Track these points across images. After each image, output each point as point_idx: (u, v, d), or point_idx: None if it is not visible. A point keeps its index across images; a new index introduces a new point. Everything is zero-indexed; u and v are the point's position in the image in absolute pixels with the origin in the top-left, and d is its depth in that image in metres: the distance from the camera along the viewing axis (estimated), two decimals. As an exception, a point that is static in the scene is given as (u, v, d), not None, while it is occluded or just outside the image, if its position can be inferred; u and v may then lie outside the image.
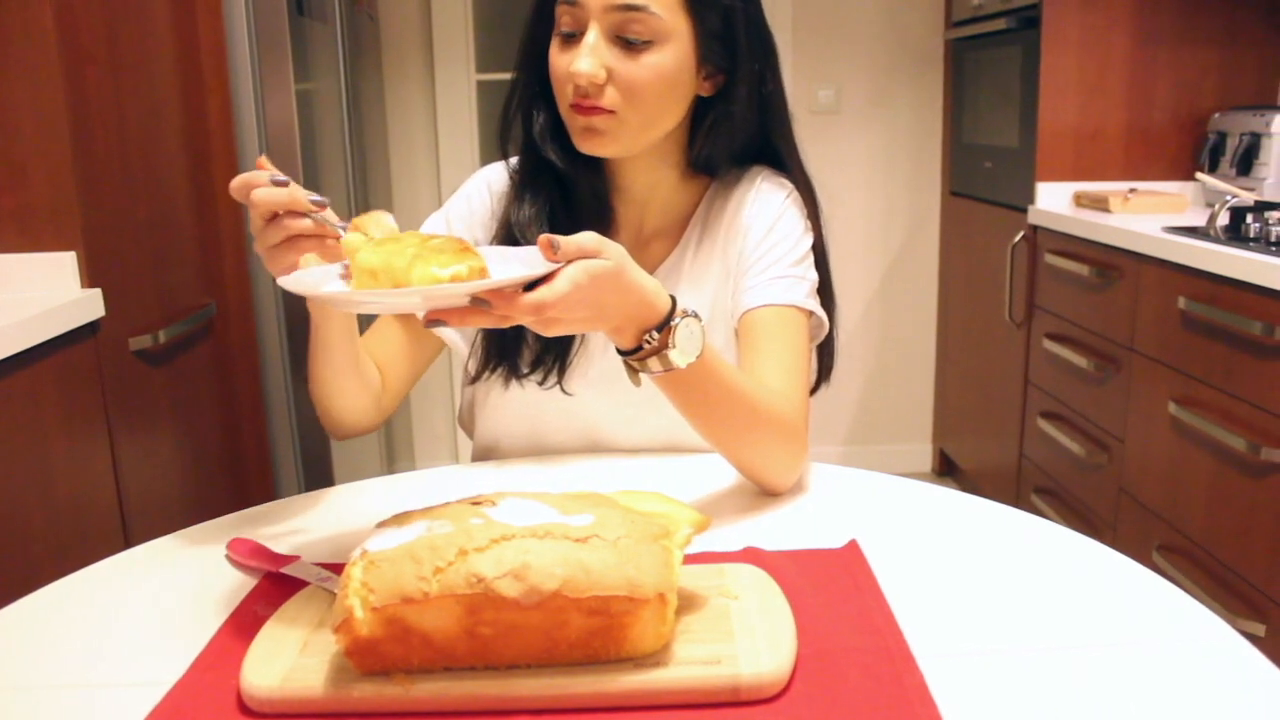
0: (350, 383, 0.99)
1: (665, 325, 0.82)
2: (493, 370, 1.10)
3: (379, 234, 0.75)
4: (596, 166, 1.08)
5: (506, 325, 0.74)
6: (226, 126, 2.12)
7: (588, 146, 1.01)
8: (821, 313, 1.07)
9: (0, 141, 1.54)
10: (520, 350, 1.09)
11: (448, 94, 3.23)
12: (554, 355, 1.09)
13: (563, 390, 1.09)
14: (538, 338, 1.08)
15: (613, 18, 0.95)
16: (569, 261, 0.74)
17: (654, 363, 0.83)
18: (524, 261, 0.77)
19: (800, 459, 0.97)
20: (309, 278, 0.77)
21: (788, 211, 1.09)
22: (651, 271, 1.09)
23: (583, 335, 1.09)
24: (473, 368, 1.13)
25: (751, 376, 0.97)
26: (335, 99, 2.54)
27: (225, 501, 2.08)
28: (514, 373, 1.09)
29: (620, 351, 0.84)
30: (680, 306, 0.83)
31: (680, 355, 0.82)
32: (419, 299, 0.71)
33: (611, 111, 0.98)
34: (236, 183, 0.77)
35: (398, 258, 0.70)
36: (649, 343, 0.82)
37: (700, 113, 1.06)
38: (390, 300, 0.74)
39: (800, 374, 1.01)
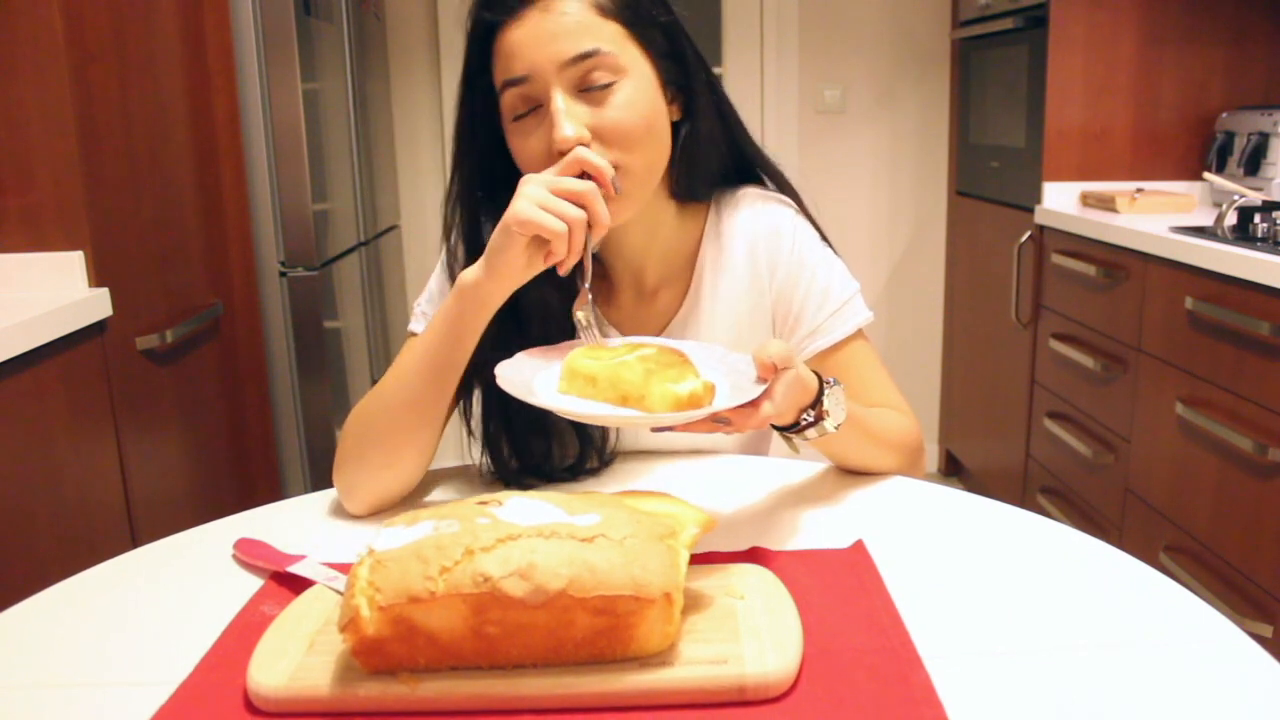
0: (429, 438, 0.96)
1: (818, 401, 0.87)
2: (523, 479, 1.04)
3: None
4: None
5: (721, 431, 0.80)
6: (233, 126, 2.12)
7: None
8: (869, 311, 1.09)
9: (7, 142, 1.54)
10: (551, 453, 1.03)
11: (454, 94, 3.23)
12: (592, 450, 1.05)
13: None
14: (576, 442, 1.04)
15: (571, 72, 0.92)
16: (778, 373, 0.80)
17: (811, 433, 0.89)
18: (726, 362, 0.85)
19: (924, 455, 1.07)
20: (519, 377, 0.81)
21: (803, 231, 1.08)
22: (663, 327, 1.08)
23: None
24: (495, 471, 1.05)
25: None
26: (342, 98, 2.55)
27: (232, 500, 2.09)
28: (549, 479, 1.04)
29: (779, 428, 0.90)
30: (824, 379, 0.88)
31: (832, 422, 0.89)
32: (680, 423, 0.76)
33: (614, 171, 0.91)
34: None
35: (626, 370, 0.77)
36: (806, 420, 0.88)
37: (673, 139, 1.01)
38: (661, 421, 0.76)
39: (893, 384, 1.08)
